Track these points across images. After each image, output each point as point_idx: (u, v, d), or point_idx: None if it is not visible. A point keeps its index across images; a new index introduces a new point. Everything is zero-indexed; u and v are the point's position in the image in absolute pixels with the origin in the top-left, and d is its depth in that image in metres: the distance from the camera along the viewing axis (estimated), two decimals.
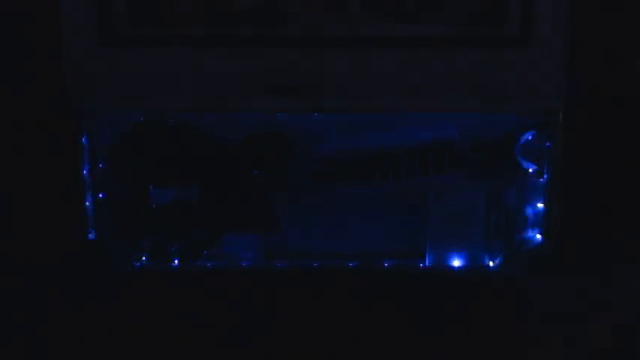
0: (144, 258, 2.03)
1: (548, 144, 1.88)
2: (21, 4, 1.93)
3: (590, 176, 2.03)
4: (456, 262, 2.01)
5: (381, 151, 1.95)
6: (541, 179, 1.92)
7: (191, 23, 1.88)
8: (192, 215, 2.01)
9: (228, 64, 1.88)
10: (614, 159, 2.05)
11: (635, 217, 2.08)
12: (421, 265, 2.02)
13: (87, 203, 1.96)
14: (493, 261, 2.01)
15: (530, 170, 1.89)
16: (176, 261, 2.03)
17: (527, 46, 1.86)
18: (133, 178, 2.00)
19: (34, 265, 2.08)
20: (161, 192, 2.00)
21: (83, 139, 1.93)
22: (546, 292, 2.02)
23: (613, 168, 2.05)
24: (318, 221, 2.05)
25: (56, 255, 2.05)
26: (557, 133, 1.86)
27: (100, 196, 1.98)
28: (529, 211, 1.98)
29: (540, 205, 1.95)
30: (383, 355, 1.96)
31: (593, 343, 1.93)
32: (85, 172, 1.94)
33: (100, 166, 1.97)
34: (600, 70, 1.98)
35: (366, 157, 1.93)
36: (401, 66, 1.88)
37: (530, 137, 1.87)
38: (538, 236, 1.97)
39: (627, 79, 2.00)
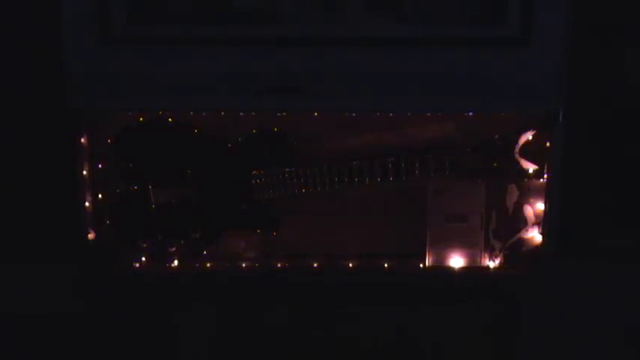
0: (143, 258, 2.03)
1: (548, 144, 1.88)
2: (21, 4, 1.93)
3: (590, 176, 2.04)
4: (456, 262, 2.01)
5: (381, 151, 1.94)
6: (541, 179, 1.92)
7: (191, 23, 1.88)
8: (191, 215, 2.01)
9: (227, 64, 1.88)
10: (614, 159, 2.05)
11: (635, 217, 2.09)
12: (421, 265, 2.02)
13: (86, 203, 1.96)
14: (493, 261, 2.01)
15: (530, 170, 1.89)
16: (176, 261, 2.02)
17: (527, 46, 1.86)
18: (132, 178, 1.99)
19: (34, 265, 2.07)
20: (160, 192, 2.00)
21: (83, 139, 1.93)
22: (546, 292, 2.02)
23: (613, 168, 2.05)
24: (318, 221, 2.04)
25: (56, 255, 2.05)
26: (557, 133, 1.87)
27: (100, 196, 1.98)
28: (529, 211, 1.98)
29: (540, 205, 1.95)
30: (383, 354, 1.96)
31: (594, 343, 1.93)
32: (84, 172, 1.94)
33: (100, 166, 1.97)
34: (600, 70, 1.98)
35: (366, 157, 1.93)
36: (401, 66, 1.88)
37: (530, 137, 1.87)
38: (538, 236, 1.97)
39: (627, 79, 2.00)
